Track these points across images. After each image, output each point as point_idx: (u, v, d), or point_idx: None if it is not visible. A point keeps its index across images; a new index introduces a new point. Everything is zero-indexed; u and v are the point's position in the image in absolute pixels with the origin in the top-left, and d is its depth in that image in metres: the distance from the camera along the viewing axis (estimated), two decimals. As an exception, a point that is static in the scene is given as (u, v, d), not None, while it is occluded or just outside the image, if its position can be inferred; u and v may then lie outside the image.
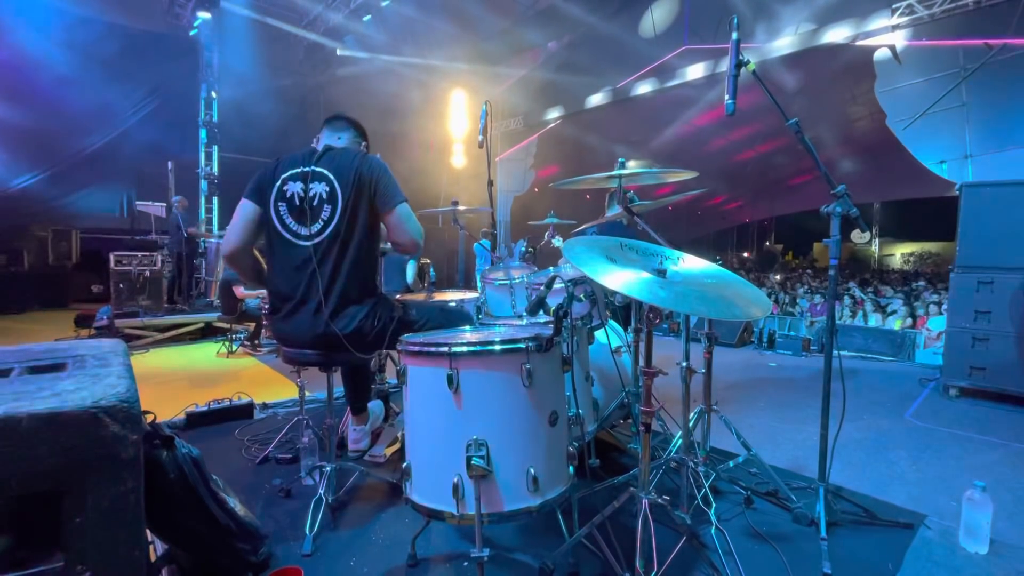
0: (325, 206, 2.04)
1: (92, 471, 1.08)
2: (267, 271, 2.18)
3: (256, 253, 2.25)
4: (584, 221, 3.09)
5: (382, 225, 2.18)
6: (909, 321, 7.24)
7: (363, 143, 2.35)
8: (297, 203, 2.06)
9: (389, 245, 2.30)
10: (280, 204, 2.08)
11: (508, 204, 12.43)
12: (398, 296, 2.86)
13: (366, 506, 2.27)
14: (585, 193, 3.30)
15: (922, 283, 11.80)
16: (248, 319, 5.93)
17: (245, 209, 2.12)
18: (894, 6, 6.42)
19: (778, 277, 12.85)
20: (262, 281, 2.30)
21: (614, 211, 3.78)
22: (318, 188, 2.05)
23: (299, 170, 2.08)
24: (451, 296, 2.87)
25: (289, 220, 2.07)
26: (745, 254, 25.98)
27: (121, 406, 1.12)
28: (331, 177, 2.05)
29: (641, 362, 2.13)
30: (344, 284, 2.04)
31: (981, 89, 6.08)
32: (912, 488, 2.54)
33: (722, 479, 2.38)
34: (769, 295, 9.95)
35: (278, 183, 2.08)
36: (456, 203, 3.03)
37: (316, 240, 2.04)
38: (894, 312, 7.88)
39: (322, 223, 2.04)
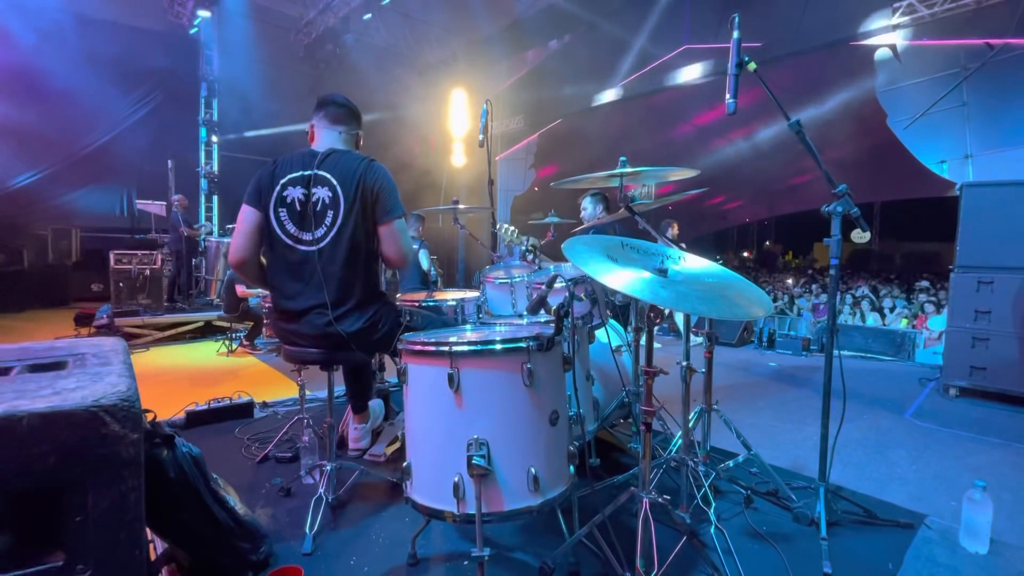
0: (328, 211, 2.04)
1: (92, 470, 1.08)
2: (268, 274, 2.17)
3: (261, 258, 2.24)
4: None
5: None
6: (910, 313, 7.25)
7: (360, 132, 2.30)
8: (298, 208, 2.05)
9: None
10: (280, 210, 2.06)
11: (508, 203, 12.42)
12: (399, 296, 2.85)
13: (366, 505, 2.27)
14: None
15: (923, 283, 11.79)
16: (249, 318, 5.93)
17: (248, 216, 2.10)
18: (895, 5, 6.41)
19: (790, 281, 12.82)
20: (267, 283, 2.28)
21: (597, 213, 3.78)
22: (321, 193, 2.04)
23: (299, 174, 2.06)
24: (451, 295, 2.86)
25: (290, 226, 2.06)
26: (745, 254, 25.95)
27: (122, 405, 1.11)
28: (334, 182, 2.04)
29: (641, 361, 2.13)
30: (347, 289, 2.04)
31: (981, 89, 6.08)
32: (912, 488, 2.54)
33: (722, 478, 2.38)
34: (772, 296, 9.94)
35: (277, 188, 2.06)
36: (456, 202, 3.03)
37: (319, 245, 2.03)
38: (893, 308, 7.89)
39: (325, 228, 2.04)
